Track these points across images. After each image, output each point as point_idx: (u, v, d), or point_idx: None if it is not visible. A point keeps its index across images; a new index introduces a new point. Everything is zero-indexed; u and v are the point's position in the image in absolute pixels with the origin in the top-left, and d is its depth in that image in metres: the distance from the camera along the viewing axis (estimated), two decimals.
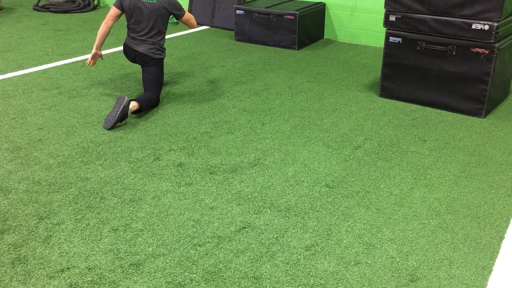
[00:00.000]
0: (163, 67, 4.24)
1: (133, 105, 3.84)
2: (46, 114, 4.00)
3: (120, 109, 3.68)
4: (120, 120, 3.72)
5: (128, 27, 4.20)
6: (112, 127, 3.71)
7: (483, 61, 3.80)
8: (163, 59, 4.24)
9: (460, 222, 2.67)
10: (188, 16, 4.26)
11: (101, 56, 4.24)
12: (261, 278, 2.26)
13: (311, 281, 2.24)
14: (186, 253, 2.42)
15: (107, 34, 4.12)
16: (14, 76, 4.88)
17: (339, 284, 2.22)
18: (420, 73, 4.12)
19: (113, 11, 4.10)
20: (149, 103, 4.01)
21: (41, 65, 5.24)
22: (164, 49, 4.27)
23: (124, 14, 4.16)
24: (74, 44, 6.07)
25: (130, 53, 4.23)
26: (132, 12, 4.07)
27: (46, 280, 2.24)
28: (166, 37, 6.38)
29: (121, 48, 5.84)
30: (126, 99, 3.73)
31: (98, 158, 3.32)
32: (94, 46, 4.14)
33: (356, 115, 4.02)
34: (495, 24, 3.66)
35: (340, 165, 3.24)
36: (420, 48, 4.05)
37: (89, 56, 5.58)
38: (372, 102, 4.29)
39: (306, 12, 5.88)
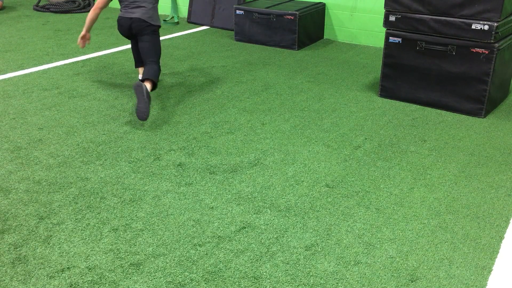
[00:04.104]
0: (159, 35, 4.20)
1: (148, 86, 3.89)
2: (46, 114, 4.00)
3: (145, 96, 3.71)
4: (148, 104, 3.76)
5: (120, 2, 4.19)
6: (147, 116, 3.73)
7: (483, 61, 3.80)
8: (159, 27, 4.20)
9: (460, 222, 2.67)
10: None
11: (88, 38, 4.31)
12: (261, 278, 2.26)
13: (311, 281, 2.24)
14: (186, 253, 2.42)
15: (95, 21, 4.21)
16: (14, 76, 4.88)
17: (339, 284, 2.23)
18: (420, 73, 4.12)
19: None
20: (157, 73, 4.01)
21: (41, 65, 5.24)
22: (159, 17, 4.24)
23: None
24: (74, 44, 6.07)
25: (125, 22, 4.15)
26: None
27: (46, 280, 2.24)
28: (167, 37, 6.40)
29: (121, 48, 5.86)
30: (143, 85, 3.75)
31: (98, 158, 3.32)
32: (84, 29, 4.22)
33: (356, 115, 4.02)
34: (495, 24, 3.67)
35: (340, 165, 3.24)
36: (420, 48, 4.05)
37: (89, 56, 5.59)
38: (372, 102, 4.29)
39: (306, 12, 5.88)
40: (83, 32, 4.23)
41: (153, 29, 4.14)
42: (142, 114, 3.69)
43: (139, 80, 4.55)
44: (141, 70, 4.53)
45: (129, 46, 5.66)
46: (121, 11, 4.21)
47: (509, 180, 3.07)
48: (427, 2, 3.91)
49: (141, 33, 4.12)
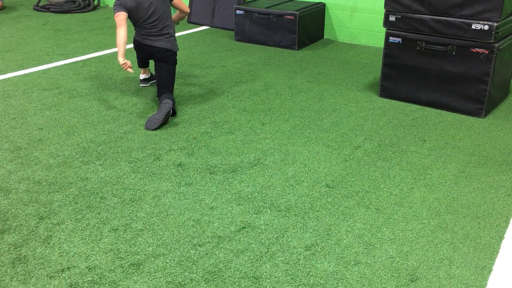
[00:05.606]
0: (176, 61, 4.17)
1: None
2: (46, 114, 4.00)
3: (165, 114, 3.75)
4: (164, 123, 3.79)
5: (136, 26, 4.04)
6: (156, 129, 3.75)
7: (483, 61, 3.80)
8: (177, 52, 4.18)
9: (460, 222, 2.67)
10: None
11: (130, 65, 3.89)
12: (261, 278, 2.26)
13: (311, 281, 2.24)
14: (186, 253, 2.42)
15: (126, 39, 3.88)
16: (14, 76, 4.88)
17: (339, 284, 2.23)
18: (420, 73, 4.12)
19: (122, 15, 3.84)
20: (174, 103, 3.99)
21: (41, 65, 5.24)
22: (176, 39, 4.20)
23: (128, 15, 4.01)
24: (74, 44, 6.07)
25: (147, 50, 4.07)
26: (138, 10, 3.92)
27: (46, 280, 2.24)
28: None
29: None
30: (172, 105, 3.81)
31: (98, 158, 3.32)
32: (121, 55, 3.82)
33: (356, 115, 4.02)
34: (495, 24, 3.67)
35: (340, 165, 3.24)
36: (420, 48, 4.05)
37: (89, 56, 5.59)
38: (372, 102, 4.30)
39: (306, 12, 5.88)
40: (122, 60, 3.81)
41: (175, 57, 4.13)
42: (152, 124, 3.73)
43: (140, 80, 4.60)
44: (142, 69, 4.55)
45: (130, 45, 5.66)
46: (139, 35, 4.06)
47: (509, 180, 3.07)
48: (427, 2, 3.91)
49: (162, 60, 4.06)
